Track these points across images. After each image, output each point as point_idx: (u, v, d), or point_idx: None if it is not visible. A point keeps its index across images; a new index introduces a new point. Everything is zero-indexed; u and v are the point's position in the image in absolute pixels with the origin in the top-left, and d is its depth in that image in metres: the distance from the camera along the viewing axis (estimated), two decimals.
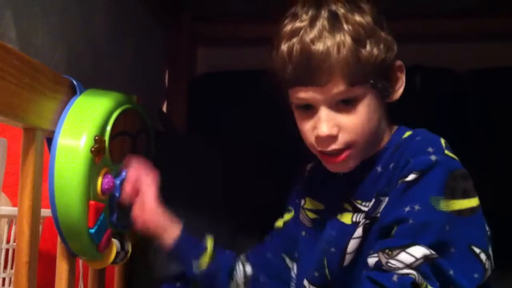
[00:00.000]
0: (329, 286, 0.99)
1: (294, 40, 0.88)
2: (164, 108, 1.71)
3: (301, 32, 0.88)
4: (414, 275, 0.78)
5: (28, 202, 0.93)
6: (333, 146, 0.90)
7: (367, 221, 0.92)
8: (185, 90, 1.72)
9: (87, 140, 0.95)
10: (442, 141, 0.89)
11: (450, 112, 1.57)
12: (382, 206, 0.90)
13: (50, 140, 0.97)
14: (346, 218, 0.96)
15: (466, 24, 1.66)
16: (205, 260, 1.06)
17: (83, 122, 0.97)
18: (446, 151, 0.87)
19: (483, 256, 0.84)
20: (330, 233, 0.99)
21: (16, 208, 0.94)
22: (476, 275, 0.83)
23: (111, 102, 1.02)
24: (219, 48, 1.87)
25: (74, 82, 1.01)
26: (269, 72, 0.94)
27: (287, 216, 1.11)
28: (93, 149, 0.95)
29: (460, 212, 0.83)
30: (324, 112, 0.89)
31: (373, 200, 0.92)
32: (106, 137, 0.99)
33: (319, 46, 0.86)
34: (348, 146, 0.90)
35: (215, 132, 1.68)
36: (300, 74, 0.88)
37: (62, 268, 1.02)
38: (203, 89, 1.74)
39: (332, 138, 0.89)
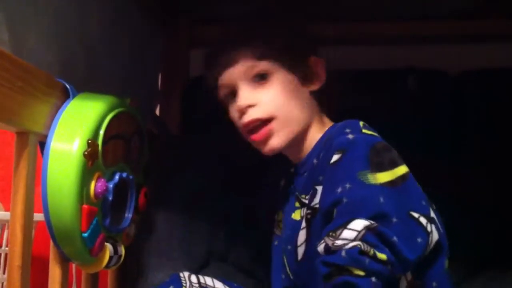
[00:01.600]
0: (295, 286, 1.01)
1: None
2: (158, 111, 1.71)
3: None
4: (359, 244, 0.80)
5: (21, 207, 0.92)
6: (253, 115, 1.00)
7: (308, 211, 0.95)
8: (179, 92, 1.71)
9: (80, 144, 0.95)
10: (361, 123, 0.93)
11: (446, 113, 1.58)
12: (319, 195, 0.93)
13: (43, 144, 0.96)
14: (297, 215, 1.00)
15: (461, 25, 1.66)
16: None
17: (76, 125, 0.96)
18: (364, 130, 0.91)
19: (423, 220, 0.85)
20: (286, 232, 1.03)
21: (8, 213, 0.94)
22: (419, 239, 0.84)
23: (104, 106, 1.01)
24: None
25: (67, 85, 1.01)
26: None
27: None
28: (86, 153, 0.94)
29: (392, 182, 0.85)
30: (241, 86, 1.01)
31: (311, 191, 0.95)
32: (99, 141, 0.99)
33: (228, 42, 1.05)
34: (268, 117, 0.99)
35: (209, 135, 1.67)
36: (217, 66, 1.05)
37: (55, 272, 1.02)
38: (197, 91, 1.73)
39: (252, 108, 1.00)
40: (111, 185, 1.03)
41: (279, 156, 1.07)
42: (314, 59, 1.05)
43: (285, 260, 1.02)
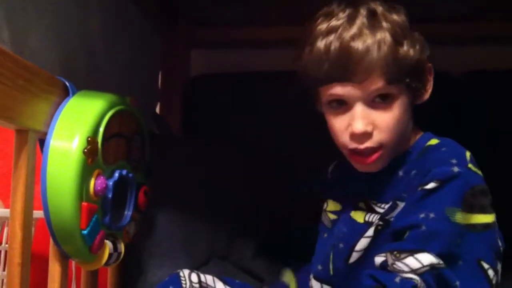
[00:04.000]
0: (329, 282, 1.00)
1: (332, 37, 0.88)
2: (158, 110, 1.71)
3: (340, 30, 0.88)
4: (417, 280, 0.79)
5: (21, 204, 0.92)
6: (367, 144, 0.89)
7: (380, 223, 0.92)
8: (179, 92, 1.72)
9: (79, 141, 0.95)
10: (467, 154, 0.89)
11: (447, 114, 1.58)
12: (397, 211, 0.90)
13: (42, 141, 0.96)
14: (359, 217, 0.97)
15: (463, 27, 1.66)
16: None
17: (76, 123, 0.96)
18: (470, 165, 0.87)
19: (491, 272, 0.85)
20: (341, 229, 1.00)
21: (8, 210, 0.94)
22: None
23: (104, 103, 1.02)
24: (214, 50, 1.87)
25: (67, 83, 1.01)
26: (300, 72, 0.94)
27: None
28: (85, 150, 0.95)
29: (473, 226, 0.84)
30: (360, 109, 0.89)
31: (390, 203, 0.92)
32: (99, 138, 0.99)
33: (359, 43, 0.86)
34: (381, 145, 0.90)
35: (209, 134, 1.68)
36: (338, 70, 0.88)
37: (54, 269, 1.02)
38: (197, 91, 1.74)
39: (367, 135, 0.89)
40: (111, 183, 1.03)
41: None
42: (429, 66, 0.95)
43: (331, 256, 0.99)
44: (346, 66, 0.87)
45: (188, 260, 1.27)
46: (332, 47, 0.87)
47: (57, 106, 0.99)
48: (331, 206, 1.07)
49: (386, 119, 0.89)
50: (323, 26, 0.90)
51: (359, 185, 0.99)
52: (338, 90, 0.89)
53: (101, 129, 1.00)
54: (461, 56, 1.70)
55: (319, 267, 1.01)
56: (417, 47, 0.91)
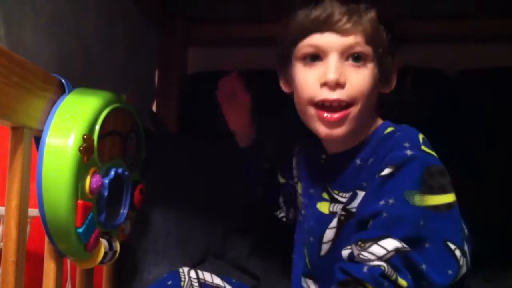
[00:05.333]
0: (310, 276, 1.01)
1: None
2: (154, 108, 1.71)
3: None
4: (384, 266, 0.80)
5: (16, 202, 0.92)
6: (338, 95, 0.90)
7: (343, 213, 0.93)
8: (175, 90, 1.71)
9: (75, 139, 0.95)
10: (420, 136, 0.89)
11: (442, 113, 1.58)
12: (358, 200, 0.91)
13: (38, 139, 0.96)
14: (324, 207, 0.98)
15: (460, 25, 1.66)
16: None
17: (72, 121, 0.96)
18: (423, 147, 0.87)
19: (457, 253, 0.84)
20: (309, 223, 1.01)
21: (3, 208, 0.94)
22: (450, 271, 0.83)
23: (100, 101, 1.01)
24: (211, 48, 1.86)
25: (63, 80, 1.01)
26: (281, 33, 0.98)
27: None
28: (81, 148, 0.95)
29: (436, 207, 0.84)
30: (335, 59, 0.91)
31: (351, 193, 0.93)
32: (95, 136, 0.99)
33: (345, 4, 0.92)
34: (351, 101, 0.91)
35: (206, 132, 1.67)
36: (323, 19, 0.92)
37: (49, 268, 1.02)
38: (194, 89, 1.73)
39: (339, 86, 0.90)
40: (106, 181, 1.03)
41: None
42: (396, 60, 0.98)
43: (306, 251, 1.01)
44: (330, 17, 0.91)
45: (183, 259, 1.27)
46: (320, 2, 0.93)
47: (52, 103, 0.99)
48: (299, 189, 1.09)
49: (358, 75, 0.91)
50: None
51: (320, 174, 1.01)
52: (316, 39, 0.92)
53: (97, 127, 0.99)
54: (458, 54, 1.70)
55: (300, 263, 1.02)
56: (389, 35, 0.95)
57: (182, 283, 1.05)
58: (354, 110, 0.91)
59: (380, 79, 0.95)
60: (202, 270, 1.10)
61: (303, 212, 1.06)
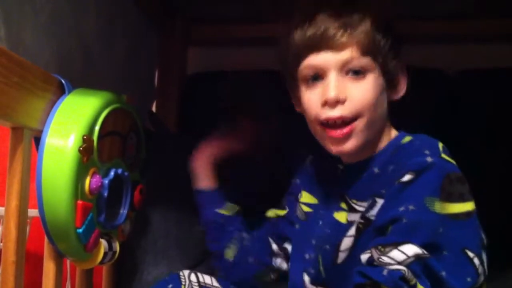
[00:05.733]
0: (324, 283, 1.00)
1: (317, 8, 0.93)
2: (154, 108, 1.71)
3: (320, 6, 0.94)
4: (404, 270, 0.79)
5: (16, 202, 0.92)
6: (340, 112, 0.91)
7: (361, 221, 0.93)
8: (175, 90, 1.71)
9: (75, 140, 0.95)
10: (440, 144, 0.89)
11: (442, 113, 1.58)
12: (377, 208, 0.90)
13: (38, 139, 0.96)
14: (341, 217, 0.97)
15: (460, 25, 1.66)
16: (225, 211, 1.17)
17: (71, 121, 0.96)
18: (443, 154, 0.87)
19: (476, 261, 0.85)
20: (324, 231, 1.00)
21: (3, 208, 0.94)
22: (469, 279, 0.84)
23: (100, 101, 1.01)
24: (211, 48, 1.86)
25: (63, 81, 1.01)
26: (280, 56, 0.99)
27: (280, 212, 1.13)
28: (81, 148, 0.95)
29: (456, 215, 0.84)
30: (333, 77, 0.92)
31: (369, 201, 0.92)
32: (95, 137, 0.99)
33: (336, 18, 0.92)
34: (354, 116, 0.91)
35: (206, 132, 1.67)
36: (315, 39, 0.92)
37: (49, 268, 1.02)
38: (194, 89, 1.73)
39: (340, 103, 0.91)
40: (106, 181, 1.03)
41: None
42: (402, 65, 0.97)
43: (320, 258, 1.00)
44: (322, 36, 0.92)
45: (183, 259, 1.27)
46: (316, 17, 0.93)
47: (52, 103, 0.98)
48: (305, 198, 1.08)
49: (359, 89, 0.92)
50: (308, 1, 0.97)
51: (337, 183, 1.01)
52: (313, 59, 0.93)
53: (97, 127, 0.99)
54: (458, 54, 1.70)
55: (311, 270, 1.01)
56: (390, 40, 0.94)
57: (182, 286, 1.04)
58: (359, 124, 0.92)
59: (387, 86, 0.95)
60: (201, 271, 1.10)
61: (313, 222, 1.05)
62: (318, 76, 0.93)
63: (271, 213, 1.14)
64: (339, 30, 0.91)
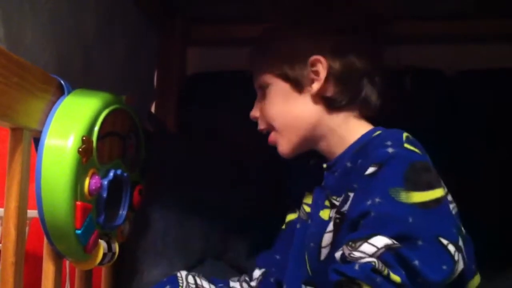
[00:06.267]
0: (311, 283, 1.01)
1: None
2: (153, 109, 1.70)
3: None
4: (374, 262, 0.79)
5: (15, 203, 0.92)
6: (260, 126, 1.08)
7: (337, 216, 0.94)
8: (175, 90, 1.71)
9: (74, 141, 0.94)
10: (404, 135, 0.90)
11: (442, 113, 1.58)
12: (350, 202, 0.92)
13: (37, 140, 0.96)
14: (325, 214, 0.99)
15: (459, 25, 1.66)
16: None
17: (71, 122, 0.96)
18: (406, 144, 0.88)
19: (451, 248, 0.83)
20: (311, 229, 1.02)
21: (2, 209, 0.93)
22: (444, 267, 0.82)
23: (99, 102, 1.01)
24: (211, 48, 1.86)
25: (62, 82, 1.01)
26: None
27: (290, 217, 1.15)
28: (80, 149, 0.94)
29: (424, 204, 0.84)
30: (258, 96, 1.08)
31: (343, 196, 0.94)
32: (94, 138, 0.98)
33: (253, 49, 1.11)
34: (268, 128, 1.06)
35: (206, 132, 1.67)
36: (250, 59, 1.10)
37: (48, 269, 1.02)
38: (194, 89, 1.73)
39: (258, 119, 1.07)
40: (105, 182, 1.02)
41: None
42: (313, 59, 1.00)
43: (306, 256, 1.01)
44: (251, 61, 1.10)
45: (182, 260, 1.27)
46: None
47: (52, 104, 0.98)
48: (307, 198, 1.10)
49: (264, 105, 1.05)
50: None
51: (322, 183, 1.04)
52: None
53: (96, 128, 0.99)
54: (457, 55, 1.69)
55: (301, 269, 1.02)
56: (289, 44, 1.03)
57: (180, 287, 1.05)
58: (275, 134, 1.05)
59: (298, 87, 1.02)
60: (198, 271, 1.11)
61: (309, 221, 1.06)
62: None
63: (284, 225, 1.17)
64: (252, 58, 1.10)
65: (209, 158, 1.49)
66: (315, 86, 1.00)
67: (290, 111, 1.02)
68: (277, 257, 1.13)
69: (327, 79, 0.99)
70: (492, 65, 1.59)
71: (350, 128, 1.00)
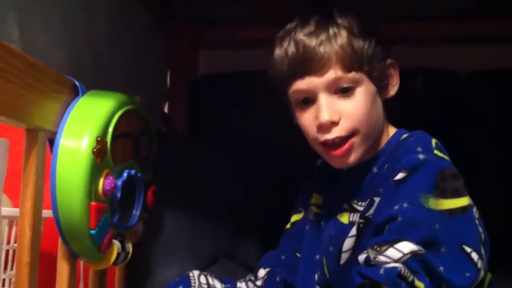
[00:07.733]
0: (329, 284, 1.01)
1: (289, 37, 0.94)
2: (165, 110, 1.71)
3: (294, 31, 0.94)
4: (400, 267, 0.79)
5: (30, 203, 0.93)
6: (336, 134, 0.92)
7: (361, 221, 0.93)
8: (186, 92, 1.72)
9: (89, 141, 0.95)
10: (433, 141, 0.90)
11: (442, 113, 1.58)
12: (375, 207, 0.91)
13: (52, 141, 0.97)
14: (344, 218, 0.98)
15: (470, 27, 1.66)
16: None
17: (85, 123, 0.97)
18: (436, 151, 0.88)
19: (474, 256, 0.84)
20: (330, 232, 1.01)
21: (17, 209, 0.94)
22: (467, 274, 0.83)
23: (114, 103, 1.02)
24: (220, 50, 1.87)
25: (77, 83, 1.02)
26: (269, 79, 1.00)
27: (296, 217, 1.13)
28: (95, 150, 0.95)
29: (451, 211, 0.84)
30: (323, 99, 0.92)
31: (368, 200, 0.93)
32: (108, 138, 0.99)
33: (312, 38, 0.92)
34: (351, 133, 0.93)
35: (216, 134, 1.68)
36: (296, 66, 0.93)
37: (63, 269, 1.02)
38: (204, 91, 1.74)
39: (334, 125, 0.92)
40: (119, 182, 1.03)
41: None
42: (390, 62, 0.98)
43: (324, 260, 1.00)
44: (303, 61, 0.92)
45: (194, 260, 1.27)
46: (288, 47, 0.94)
47: (66, 105, 0.99)
48: (315, 199, 1.09)
49: (351, 106, 0.92)
50: (281, 32, 0.97)
51: (341, 185, 1.01)
52: (300, 84, 0.93)
53: (110, 129, 1.00)
54: (460, 56, 1.69)
55: (318, 272, 1.02)
56: (373, 41, 0.95)
57: (192, 287, 1.05)
58: (357, 139, 0.93)
59: (379, 89, 0.96)
60: (211, 271, 1.11)
61: (322, 223, 1.05)
62: (308, 98, 0.94)
63: (288, 225, 1.15)
64: (317, 51, 0.91)
65: (220, 159, 1.49)
66: (392, 91, 0.98)
67: (373, 115, 0.95)
68: (283, 257, 1.12)
69: None
70: (493, 66, 1.59)
71: (384, 133, 0.99)
